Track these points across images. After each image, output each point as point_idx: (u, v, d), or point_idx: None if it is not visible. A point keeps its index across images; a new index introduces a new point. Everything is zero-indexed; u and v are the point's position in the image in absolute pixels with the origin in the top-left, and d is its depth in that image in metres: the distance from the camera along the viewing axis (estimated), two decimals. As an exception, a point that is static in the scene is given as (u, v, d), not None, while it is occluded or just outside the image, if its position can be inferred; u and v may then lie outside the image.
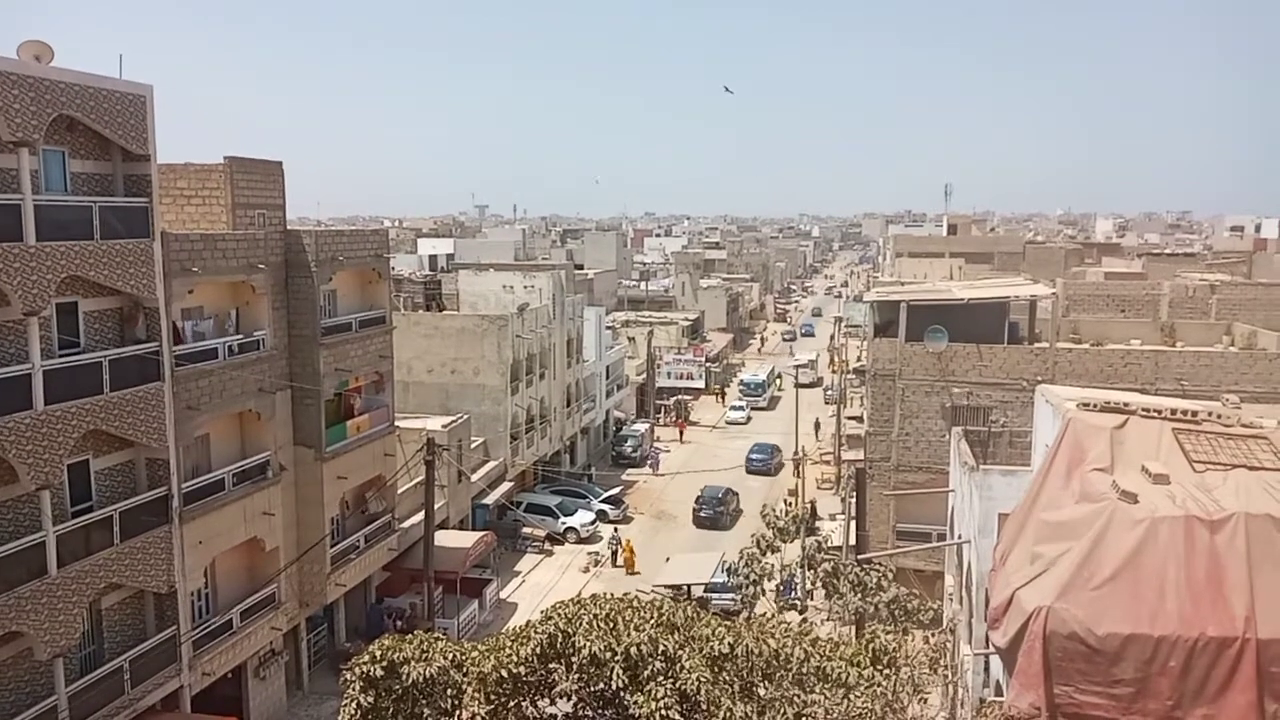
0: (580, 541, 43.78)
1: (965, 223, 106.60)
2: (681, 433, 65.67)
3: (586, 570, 40.78)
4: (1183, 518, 11.54)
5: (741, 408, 70.83)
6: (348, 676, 13.10)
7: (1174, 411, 14.13)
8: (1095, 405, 14.56)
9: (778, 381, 79.50)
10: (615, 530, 44.88)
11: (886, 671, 12.85)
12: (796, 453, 49.37)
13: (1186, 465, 12.89)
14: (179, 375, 23.03)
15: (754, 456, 56.38)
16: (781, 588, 23.45)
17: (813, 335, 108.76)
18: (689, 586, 32.50)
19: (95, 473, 21.75)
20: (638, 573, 40.21)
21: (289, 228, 28.47)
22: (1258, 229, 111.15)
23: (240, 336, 25.71)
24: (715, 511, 46.25)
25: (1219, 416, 14.05)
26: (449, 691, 13.06)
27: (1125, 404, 14.48)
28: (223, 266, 24.82)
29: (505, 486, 43.74)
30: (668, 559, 37.81)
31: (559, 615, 12.92)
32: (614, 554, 42.89)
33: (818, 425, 61.48)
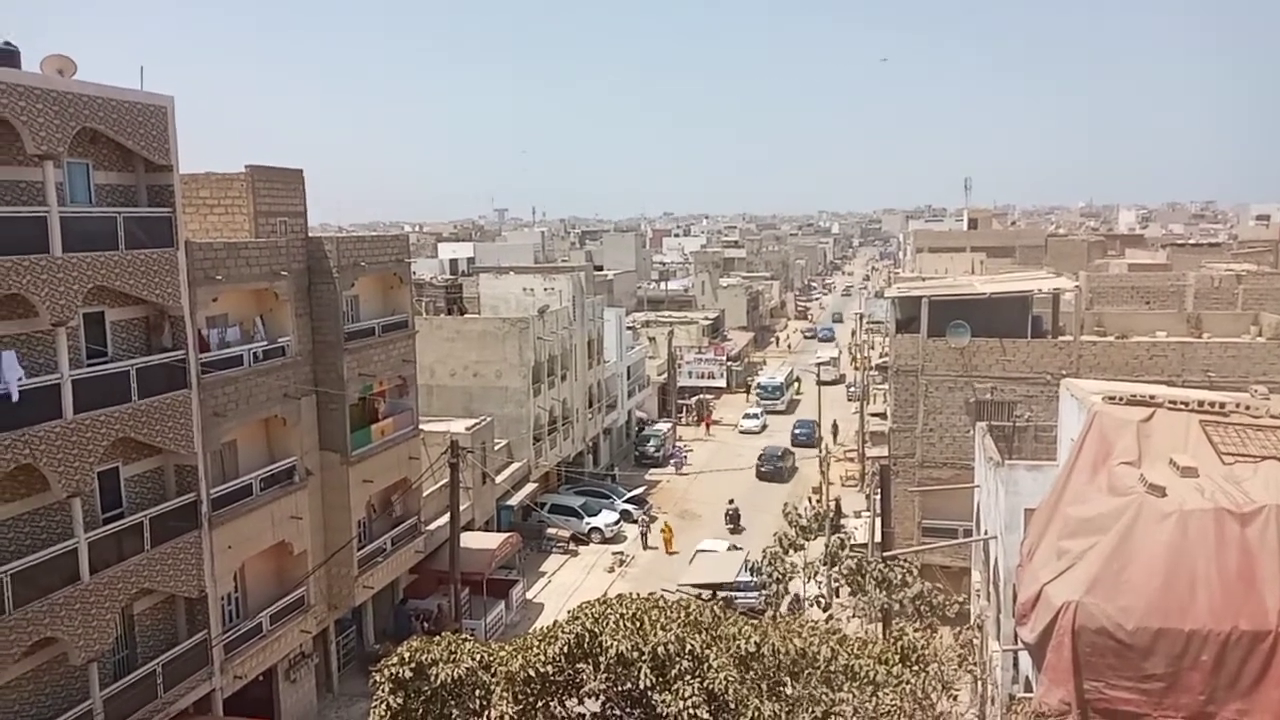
0: (605, 542, 43.86)
1: (986, 217, 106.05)
2: (708, 427, 66.33)
3: (612, 570, 40.85)
4: (1212, 510, 11.46)
5: (756, 415, 67.10)
6: (377, 678, 13.16)
7: (1201, 403, 14.02)
8: (1121, 398, 14.46)
9: (796, 384, 77.10)
10: (646, 510, 45.66)
11: (915, 669, 12.79)
12: (821, 450, 49.22)
13: (1215, 457, 12.78)
14: (205, 382, 23.26)
15: (763, 468, 53.79)
16: (795, 601, 23.31)
17: (831, 340, 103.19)
18: (715, 586, 32.46)
19: (125, 480, 22.00)
20: (676, 552, 42.15)
21: (311, 235, 28.70)
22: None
23: (265, 343, 25.92)
24: (776, 466, 53.40)
25: (1247, 408, 13.93)
26: (477, 692, 13.11)
27: (1151, 397, 14.38)
28: (246, 274, 25.05)
29: (529, 488, 43.88)
30: (693, 557, 37.57)
31: (586, 615, 12.93)
32: (644, 536, 43.55)
33: (835, 428, 60.96)
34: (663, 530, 43.96)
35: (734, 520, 45.56)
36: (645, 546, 43.61)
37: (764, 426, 65.59)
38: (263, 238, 26.33)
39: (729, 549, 39.19)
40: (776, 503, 42.65)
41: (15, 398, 18.19)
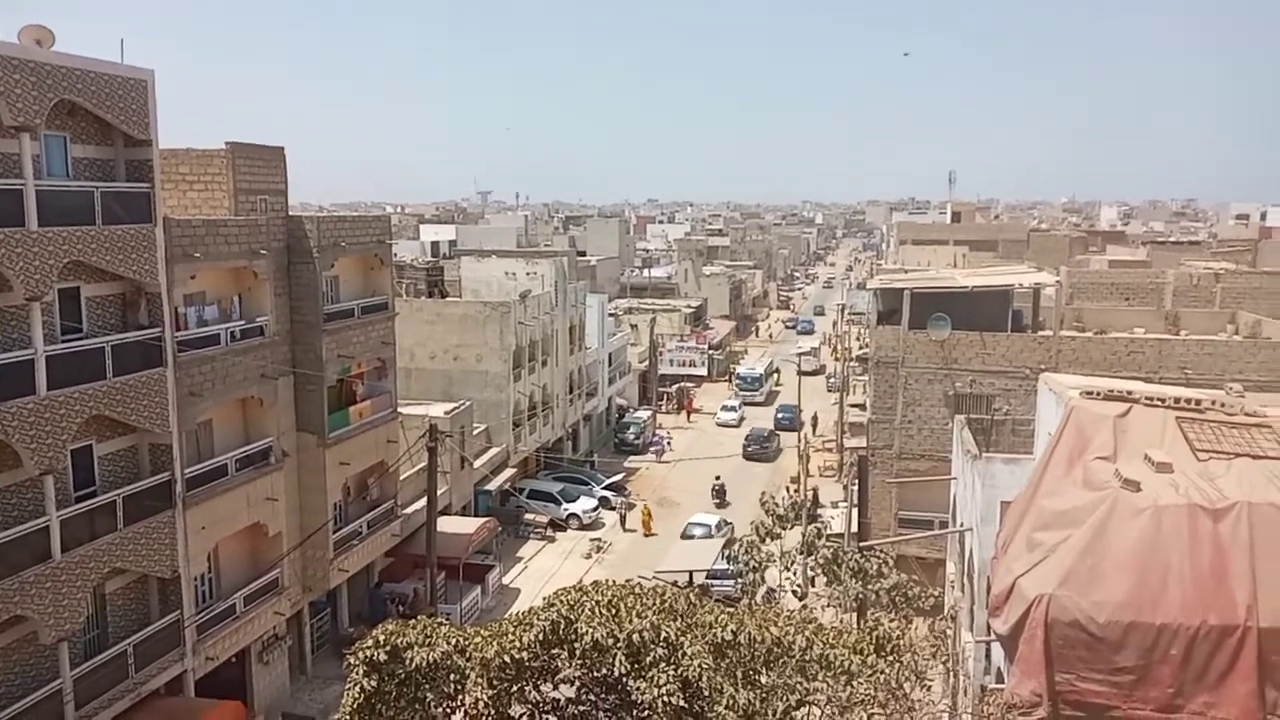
0: (583, 528, 43.92)
1: (969, 210, 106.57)
2: (689, 414, 66.57)
3: (589, 556, 40.89)
4: (1186, 506, 11.55)
5: (734, 407, 65.83)
6: (351, 661, 13.14)
7: (1177, 400, 14.12)
8: (1098, 394, 14.54)
9: (776, 375, 76.92)
10: (625, 494, 46.33)
11: (889, 659, 12.86)
12: (799, 439, 49.39)
13: (1190, 454, 12.88)
14: (181, 361, 23.04)
15: (750, 447, 56.34)
16: (770, 590, 23.43)
17: (811, 333, 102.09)
18: (691, 574, 32.57)
19: (98, 458, 21.78)
20: (654, 534, 43.25)
21: (291, 214, 28.45)
22: (1263, 217, 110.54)
23: (242, 322, 25.71)
24: (762, 447, 56.09)
25: (1222, 405, 14.04)
26: (452, 676, 13.10)
27: (1128, 392, 14.47)
28: (225, 252, 24.79)
29: (508, 473, 43.80)
30: (685, 528, 39.61)
31: (561, 601, 12.94)
32: (622, 519, 44.20)
33: (815, 420, 61.14)
34: (642, 512, 44.73)
35: (720, 495, 47.73)
36: (624, 529, 44.13)
37: (742, 419, 64.41)
38: (242, 215, 26.06)
39: (719, 524, 41.14)
40: (761, 480, 48.71)
41: (-13, 373, 17.96)
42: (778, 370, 78.14)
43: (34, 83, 18.84)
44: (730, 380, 75.81)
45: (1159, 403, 13.95)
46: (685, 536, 39.85)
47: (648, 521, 44.17)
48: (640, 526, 44.10)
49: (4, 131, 18.81)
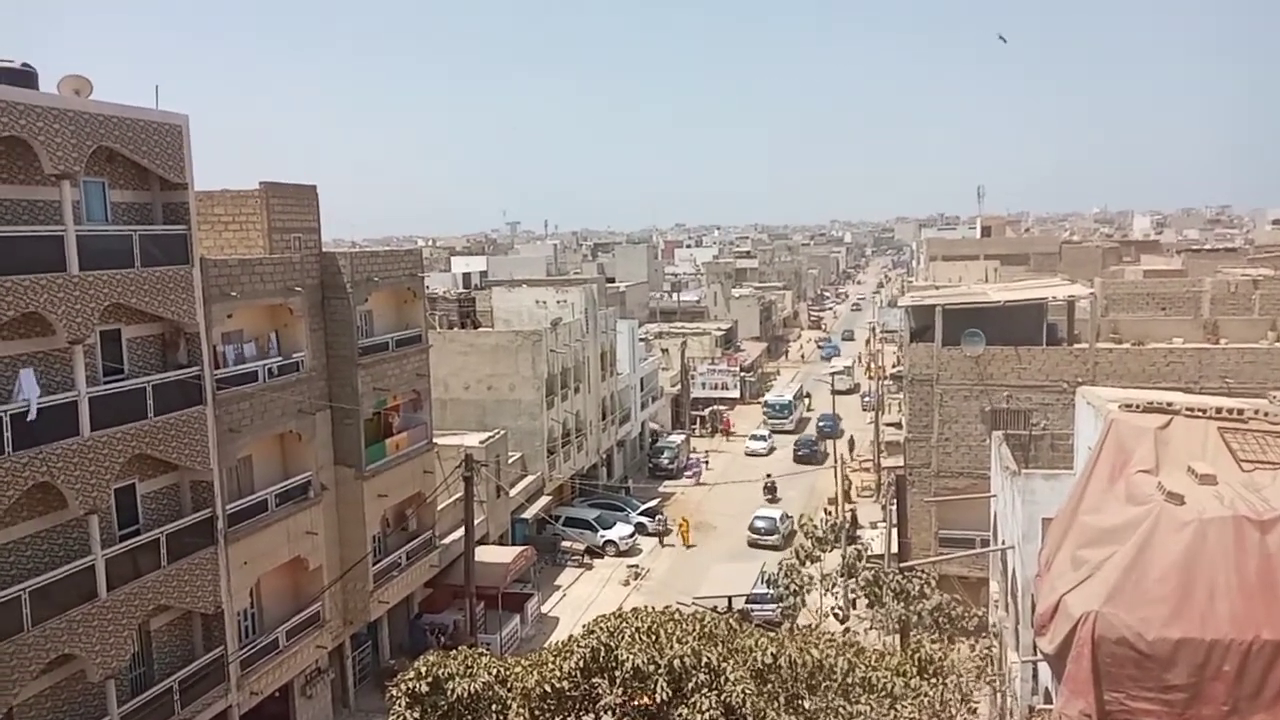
0: (620, 554, 43.80)
1: (999, 224, 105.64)
2: (727, 434, 67.08)
3: (627, 583, 40.77)
4: (1232, 518, 11.33)
5: (763, 436, 63.44)
6: (393, 693, 13.15)
7: (1219, 410, 13.90)
8: (1138, 406, 14.36)
9: (806, 401, 74.21)
10: (662, 519, 47.16)
11: (933, 681, 12.70)
12: (835, 459, 49.15)
13: (1234, 465, 12.66)
14: (220, 398, 23.37)
15: (800, 452, 60.10)
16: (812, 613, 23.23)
17: (836, 357, 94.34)
18: (730, 599, 32.37)
19: (141, 496, 22.11)
20: (693, 545, 45.46)
21: (324, 250, 28.88)
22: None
23: (279, 359, 26.05)
24: (811, 450, 60.18)
25: (1266, 414, 13.80)
26: (494, 707, 13.07)
27: (1169, 404, 14.26)
28: (260, 290, 25.18)
29: (543, 501, 43.89)
30: (751, 521, 44.03)
31: (601, 629, 12.89)
32: (662, 537, 45.80)
33: (852, 443, 60.47)
34: (680, 524, 46.05)
35: (771, 491, 51.37)
36: (663, 545, 45.57)
37: (772, 449, 62.17)
38: (277, 254, 26.49)
39: (782, 516, 45.65)
40: (808, 479, 54.08)
41: (33, 416, 18.32)
42: (808, 395, 75.86)
43: (73, 131, 19.32)
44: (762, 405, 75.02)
45: (1200, 413, 13.74)
46: (752, 529, 45.16)
47: (685, 532, 45.76)
48: (679, 539, 45.63)
49: (45, 179, 19.31)
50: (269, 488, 25.54)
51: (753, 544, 44.60)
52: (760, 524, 45.13)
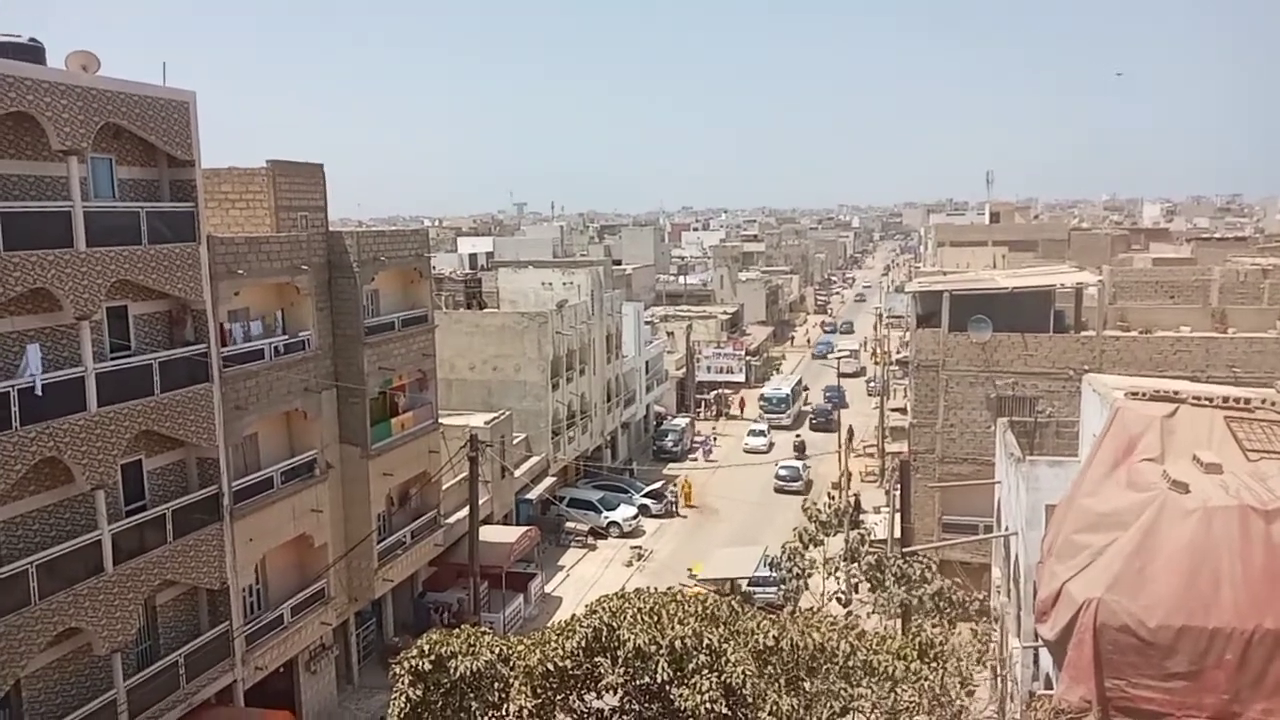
0: (623, 536, 43.95)
1: (1008, 210, 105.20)
2: (743, 409, 68.96)
3: (630, 564, 40.92)
4: (1237, 507, 11.34)
5: (762, 432, 60.78)
6: (397, 670, 13.23)
7: (1226, 399, 13.87)
8: (1144, 394, 14.33)
9: (804, 394, 71.99)
10: (666, 500, 47.81)
11: (933, 665, 12.74)
12: (840, 447, 49.30)
13: (1240, 454, 12.65)
14: (227, 376, 23.42)
15: (815, 419, 65.17)
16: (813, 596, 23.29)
17: (830, 354, 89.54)
18: (733, 581, 32.47)
19: (148, 472, 22.20)
20: (694, 506, 48.35)
21: (331, 229, 28.85)
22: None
23: (286, 337, 26.09)
24: (826, 418, 64.46)
25: (1273, 404, 13.76)
26: (496, 685, 13.15)
27: (1175, 392, 14.24)
28: (267, 268, 25.19)
29: (548, 482, 43.98)
30: (776, 471, 49.11)
31: (604, 609, 12.95)
32: (672, 504, 47.35)
33: (851, 433, 59.71)
34: (683, 486, 48.65)
35: (800, 450, 55.87)
36: (670, 514, 47.36)
37: (771, 445, 59.40)
38: (284, 232, 26.48)
39: (805, 465, 52.04)
40: (827, 443, 56.39)
41: (40, 391, 18.38)
42: (806, 389, 73.79)
43: (81, 107, 19.29)
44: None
45: (1207, 402, 13.72)
46: (777, 477, 50.82)
47: (688, 493, 48.29)
48: (682, 499, 48.18)
49: (53, 155, 19.30)
50: (275, 465, 25.64)
51: (779, 490, 50.12)
52: (784, 472, 51.02)
